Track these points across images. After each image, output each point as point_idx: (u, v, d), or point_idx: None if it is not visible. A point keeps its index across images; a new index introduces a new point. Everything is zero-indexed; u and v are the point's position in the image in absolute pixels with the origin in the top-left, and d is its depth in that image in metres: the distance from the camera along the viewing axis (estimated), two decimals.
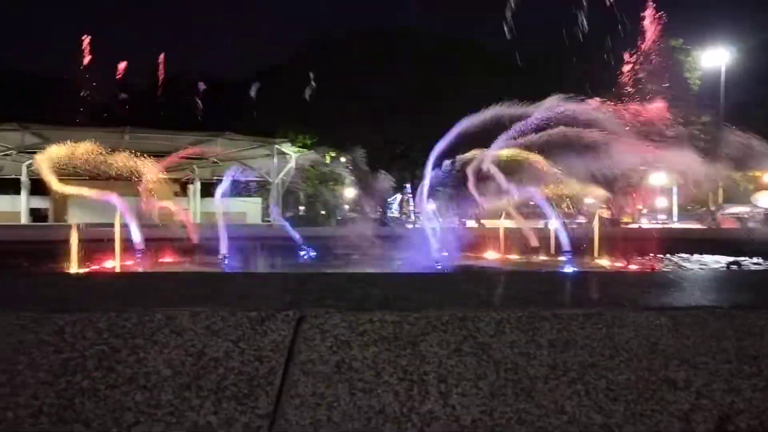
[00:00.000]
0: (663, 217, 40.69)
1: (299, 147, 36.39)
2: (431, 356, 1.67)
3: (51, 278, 3.35)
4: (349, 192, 41.21)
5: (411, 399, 1.54)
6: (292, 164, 38.77)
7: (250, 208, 38.38)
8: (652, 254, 10.87)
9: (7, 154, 34.69)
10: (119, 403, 1.52)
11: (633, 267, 9.81)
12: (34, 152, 34.95)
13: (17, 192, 38.07)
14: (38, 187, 39.23)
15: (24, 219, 35.72)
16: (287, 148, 35.76)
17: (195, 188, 37.47)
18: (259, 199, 39.67)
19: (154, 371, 1.62)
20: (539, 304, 1.95)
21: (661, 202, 41.56)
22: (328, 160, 38.00)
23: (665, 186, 37.92)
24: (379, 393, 1.55)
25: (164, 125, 30.46)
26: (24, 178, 37.09)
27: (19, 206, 37.08)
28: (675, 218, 40.79)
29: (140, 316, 1.83)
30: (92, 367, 1.63)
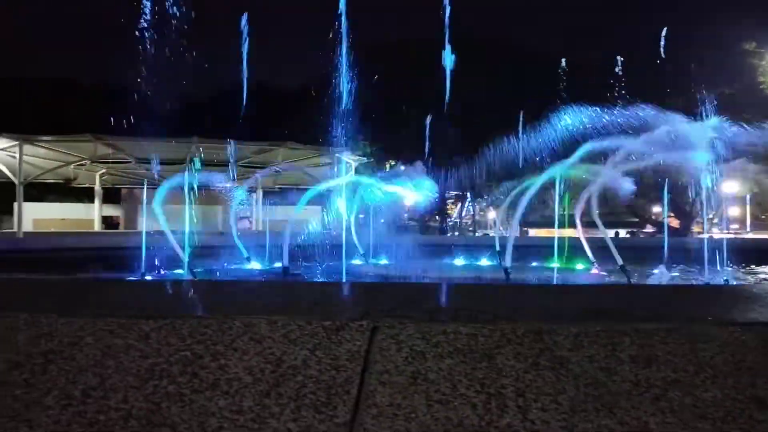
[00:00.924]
0: (735, 226, 39.12)
1: (359, 156, 36.66)
2: (508, 369, 1.66)
3: (131, 285, 3.49)
4: (409, 200, 41.25)
5: (489, 412, 1.53)
6: (351, 172, 39.12)
7: (310, 217, 38.86)
8: (726, 265, 10.45)
9: (81, 164, 36.30)
10: (204, 408, 1.57)
11: (710, 279, 9.46)
12: (107, 162, 36.51)
13: (90, 200, 39.77)
14: (110, 195, 41.00)
15: (97, 226, 37.27)
16: (348, 156, 36.08)
17: (258, 197, 38.26)
18: (319, 208, 40.14)
19: (235, 377, 1.66)
20: (617, 318, 1.91)
21: (733, 212, 39.94)
22: (387, 168, 38.18)
23: (738, 194, 36.42)
24: (456, 405, 1.55)
25: (228, 135, 31.22)
26: (97, 187, 38.76)
27: (92, 214, 38.70)
28: (748, 228, 39.12)
29: (220, 324, 1.89)
30: (177, 373, 1.68)
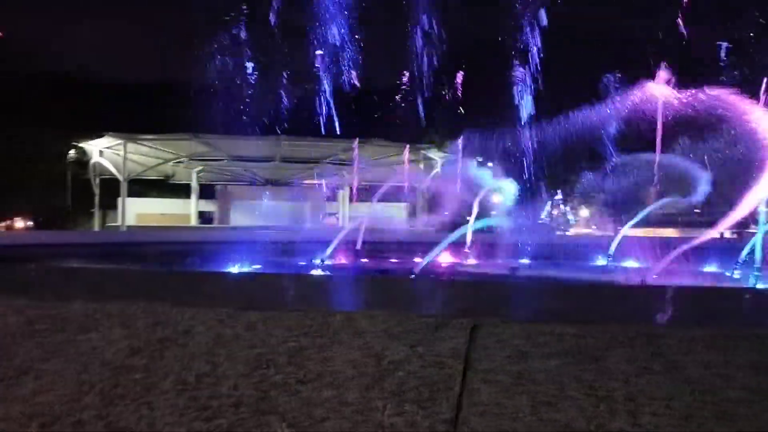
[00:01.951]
0: None
1: (445, 153, 36.47)
2: (617, 373, 1.60)
3: (238, 277, 3.63)
4: (496, 197, 40.69)
5: (598, 416, 1.48)
6: (437, 169, 39.00)
7: (395, 213, 39.12)
8: None
9: (179, 162, 38.01)
10: (310, 398, 1.61)
11: None
12: (204, 159, 38.07)
13: (187, 196, 41.58)
14: (205, 191, 42.75)
15: (193, 221, 38.93)
16: (434, 153, 36.03)
17: (344, 193, 38.83)
18: (403, 204, 40.32)
19: (339, 370, 1.69)
20: (735, 322, 1.81)
21: None
22: (474, 165, 37.81)
23: None
24: (563, 407, 1.51)
25: (317, 133, 31.86)
26: (194, 183, 40.48)
27: (188, 209, 40.48)
28: None
29: (323, 317, 1.93)
30: (283, 363, 1.73)
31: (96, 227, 37.45)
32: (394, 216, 37.40)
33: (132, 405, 1.64)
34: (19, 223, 41.85)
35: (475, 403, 1.55)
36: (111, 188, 38.02)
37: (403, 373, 1.66)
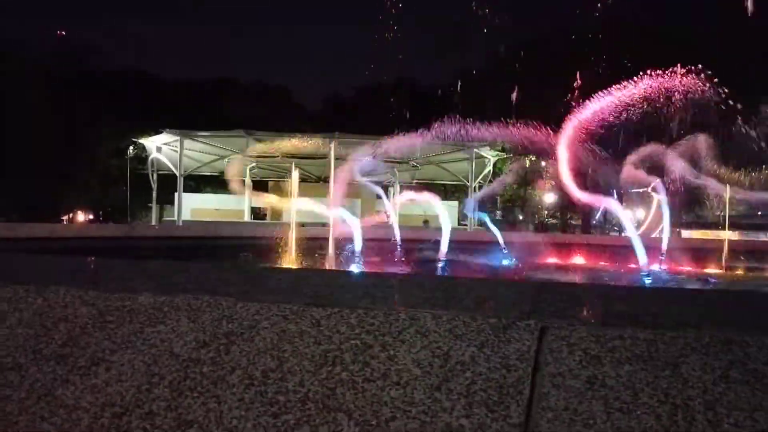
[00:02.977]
0: None
1: (498, 151, 36.14)
2: (694, 380, 1.54)
3: (302, 273, 3.65)
4: (549, 197, 40.12)
5: (675, 424, 1.43)
6: (489, 168, 38.65)
7: (446, 212, 38.90)
8: None
9: (233, 158, 38.74)
10: (376, 396, 1.60)
11: None
12: (257, 156, 38.64)
13: (241, 192, 42.28)
14: (259, 188, 43.46)
15: (246, 217, 39.62)
16: (486, 151, 35.74)
17: (395, 191, 38.91)
18: (455, 203, 40.13)
19: (404, 369, 1.68)
20: None
21: None
22: (527, 164, 37.35)
23: None
24: (638, 414, 1.46)
25: (369, 131, 32.00)
26: (247, 179, 41.20)
27: (242, 205, 41.21)
28: None
29: (386, 315, 1.91)
30: (349, 360, 1.73)
31: (153, 221, 38.49)
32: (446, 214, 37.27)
33: (200, 398, 1.66)
34: (80, 217, 43.40)
35: (545, 408, 1.51)
36: (167, 184, 39.03)
37: (471, 374, 1.63)
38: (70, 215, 42.93)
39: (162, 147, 36.52)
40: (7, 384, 1.81)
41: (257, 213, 40.89)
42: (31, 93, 42.51)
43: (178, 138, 34.85)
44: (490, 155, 36.83)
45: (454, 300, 2.23)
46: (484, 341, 1.75)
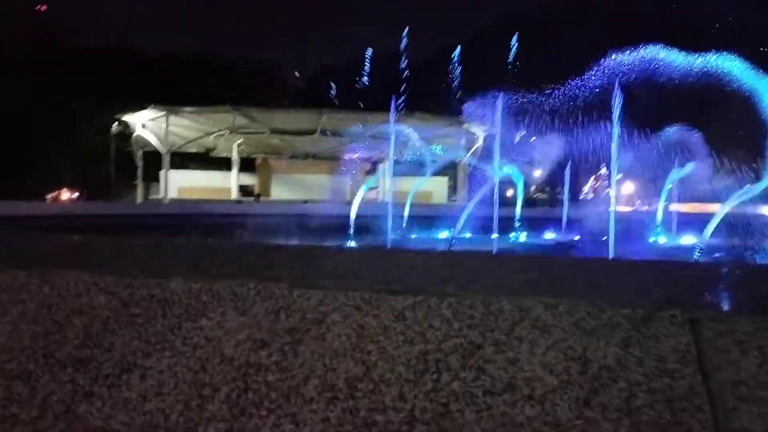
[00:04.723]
0: None
1: (487, 126, 35.69)
2: None
3: (347, 252, 3.24)
4: (539, 172, 39.87)
5: None
6: (479, 143, 38.30)
7: (437, 187, 38.65)
8: None
9: (220, 135, 38.05)
10: (506, 415, 1.22)
11: None
12: (244, 132, 38.06)
13: (228, 169, 41.65)
14: (246, 165, 42.76)
15: (234, 194, 39.02)
16: (476, 127, 35.33)
17: (385, 167, 38.46)
18: (445, 179, 39.80)
19: (534, 377, 1.30)
20: None
21: None
22: (517, 138, 36.97)
23: None
24: None
25: (360, 106, 31.50)
26: (234, 156, 40.51)
27: (229, 182, 40.58)
28: None
29: (485, 304, 1.54)
30: (457, 365, 1.35)
31: (138, 199, 37.83)
32: (435, 190, 36.97)
33: (271, 417, 1.28)
34: (65, 195, 42.57)
35: (739, 430, 1.15)
36: (153, 161, 38.33)
37: (625, 383, 1.26)
38: (55, 194, 41.99)
39: (147, 123, 35.72)
40: (13, 398, 1.41)
41: (245, 190, 40.30)
42: (12, 71, 41.36)
43: (163, 114, 34.06)
44: (480, 131, 36.44)
45: (557, 283, 1.86)
46: (627, 339, 1.38)
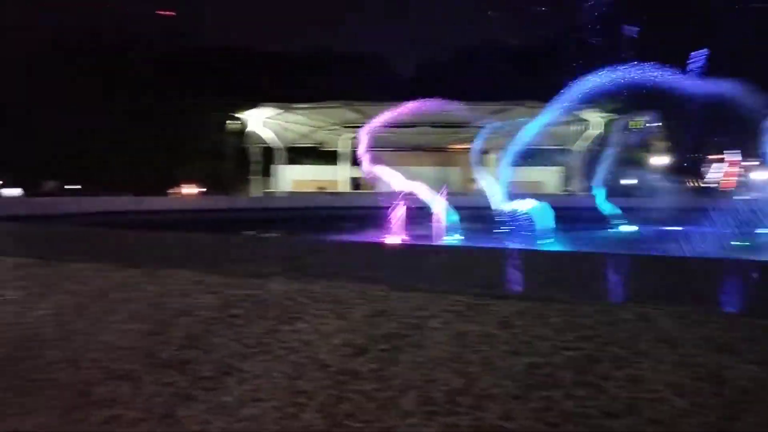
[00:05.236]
0: None
1: (606, 113, 34.16)
2: None
3: (454, 252, 3.15)
4: (658, 159, 37.81)
5: None
6: (592, 131, 36.77)
7: (548, 177, 37.52)
8: None
9: (331, 129, 38.87)
10: None
11: None
12: (355, 126, 38.71)
13: (338, 163, 42.44)
14: (356, 158, 43.43)
15: (345, 187, 39.73)
16: (590, 114, 33.90)
17: (494, 158, 37.79)
18: (558, 168, 38.57)
19: (659, 398, 1.15)
20: None
21: None
22: (638, 126, 35.12)
23: None
24: None
25: (465, 96, 31.05)
26: (346, 150, 41.25)
27: (340, 176, 41.36)
28: None
29: (600, 312, 1.39)
30: (568, 380, 1.22)
31: (253, 194, 39.39)
32: (546, 180, 35.91)
33: (367, 429, 1.21)
34: (187, 190, 45.11)
35: None
36: (268, 157, 39.75)
37: (766, 408, 1.08)
38: (179, 189, 44.66)
39: (262, 120, 37.12)
40: (117, 398, 1.43)
41: (356, 183, 40.93)
42: (140, 72, 44.42)
43: (277, 111, 35.28)
44: (600, 117, 34.92)
45: (684, 289, 1.67)
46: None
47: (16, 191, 42.33)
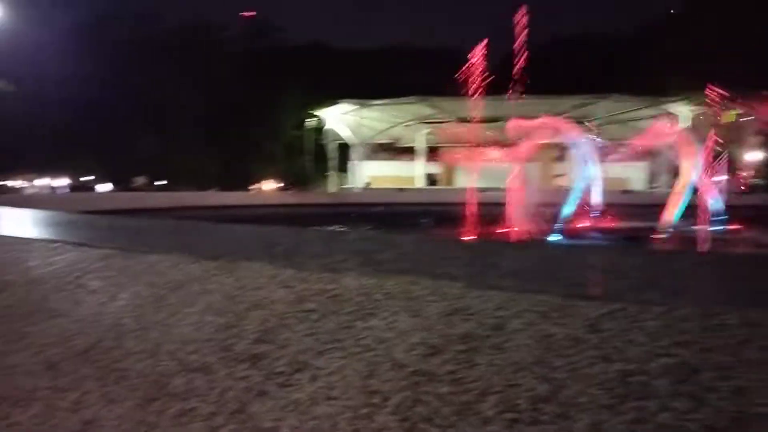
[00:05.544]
0: None
1: (696, 106, 32.57)
2: None
3: (537, 248, 3.03)
4: (753, 155, 35.78)
5: None
6: (683, 124, 35.21)
7: (633, 174, 36.22)
8: None
9: (408, 125, 38.94)
10: None
11: None
12: (431, 122, 38.65)
13: (414, 158, 42.45)
14: (432, 154, 43.33)
15: (420, 182, 39.73)
16: (679, 107, 32.48)
17: (576, 154, 36.78)
18: (643, 164, 37.16)
19: None
20: None
21: None
22: (731, 118, 33.31)
23: None
24: None
25: (547, 89, 30.34)
26: (421, 145, 41.21)
27: (416, 171, 41.36)
28: None
29: (705, 318, 1.27)
30: (666, 392, 1.11)
31: (331, 189, 39.95)
32: (632, 177, 34.66)
33: None
34: (267, 186, 46.27)
35: None
36: (345, 152, 40.19)
37: None
38: (259, 185, 45.88)
39: (339, 117, 37.59)
40: (192, 391, 1.43)
41: (432, 179, 40.83)
42: (227, 72, 45.93)
43: (354, 107, 35.65)
44: (689, 110, 33.40)
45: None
46: None
47: (107, 186, 44.74)
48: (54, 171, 47.78)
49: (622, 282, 1.67)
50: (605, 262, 1.99)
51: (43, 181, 49.14)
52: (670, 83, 33.55)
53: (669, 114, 34.49)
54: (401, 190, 31.17)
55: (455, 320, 1.44)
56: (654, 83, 34.19)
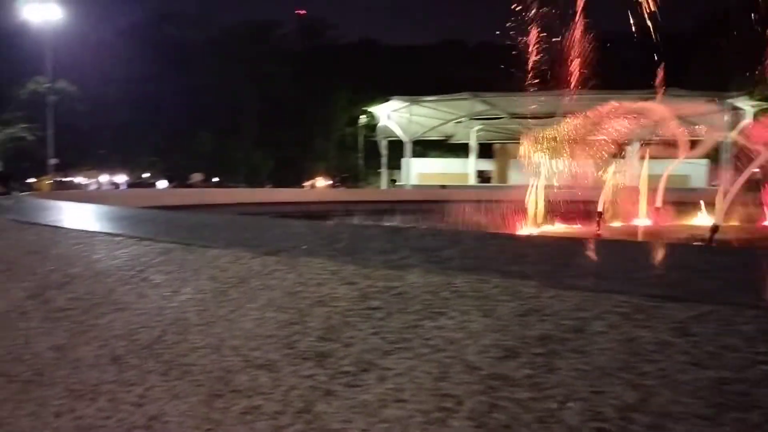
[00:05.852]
0: None
1: (756, 101, 31.35)
2: None
3: (609, 245, 2.92)
4: None
5: None
6: (745, 121, 33.90)
7: (694, 171, 35.06)
8: None
9: (459, 121, 38.67)
10: None
11: None
12: (483, 118, 38.30)
13: (466, 155, 42.15)
14: (483, 150, 42.92)
15: (471, 180, 39.40)
16: (743, 102, 31.26)
17: (633, 149, 35.82)
18: (704, 161, 35.93)
19: None
20: None
21: None
22: None
23: None
24: None
25: (604, 86, 29.59)
26: (472, 142, 40.88)
27: (467, 168, 41.06)
28: None
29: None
30: (766, 403, 1.01)
31: (383, 186, 40.00)
32: (693, 174, 33.57)
33: None
34: (320, 182, 46.71)
35: None
36: (396, 149, 40.22)
37: None
38: (313, 181, 46.31)
39: (391, 114, 37.59)
40: (256, 388, 1.39)
41: (483, 176, 40.47)
42: (280, 70, 46.60)
43: (405, 104, 35.60)
44: (749, 106, 32.19)
45: None
46: None
47: (164, 183, 46.06)
48: (114, 168, 49.40)
49: (710, 282, 1.56)
50: (690, 261, 1.87)
51: (103, 178, 50.90)
52: (732, 78, 32.28)
53: (735, 109, 33.30)
54: (443, 187, 30.92)
55: (531, 321, 1.37)
56: (714, 78, 32.95)
